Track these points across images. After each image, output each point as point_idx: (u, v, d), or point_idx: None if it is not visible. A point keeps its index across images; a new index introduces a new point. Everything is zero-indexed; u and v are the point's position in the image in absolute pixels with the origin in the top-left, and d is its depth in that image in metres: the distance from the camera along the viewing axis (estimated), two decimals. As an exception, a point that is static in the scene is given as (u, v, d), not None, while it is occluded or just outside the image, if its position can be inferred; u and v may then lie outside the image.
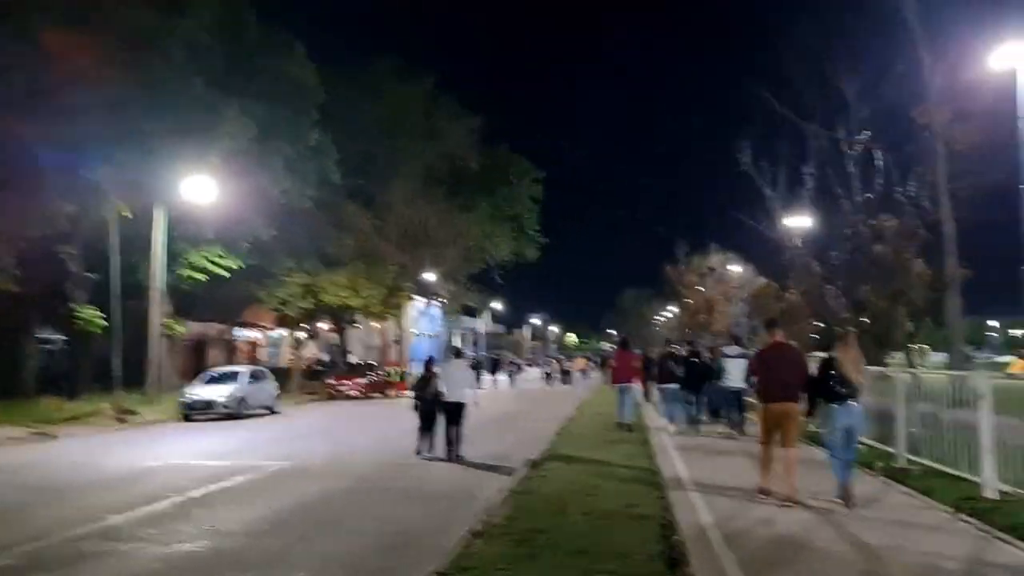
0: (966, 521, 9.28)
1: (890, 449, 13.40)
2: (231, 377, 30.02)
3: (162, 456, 17.83)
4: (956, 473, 11.10)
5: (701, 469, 13.76)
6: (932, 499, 10.46)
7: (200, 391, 28.64)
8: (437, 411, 16.09)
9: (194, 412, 27.64)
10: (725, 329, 68.34)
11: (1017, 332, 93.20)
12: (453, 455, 15.83)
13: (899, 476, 12.09)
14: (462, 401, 15.91)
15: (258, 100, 32.42)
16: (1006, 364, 55.88)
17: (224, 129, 30.18)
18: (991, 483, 10.19)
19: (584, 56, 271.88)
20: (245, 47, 33.58)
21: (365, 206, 47.39)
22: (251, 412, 29.06)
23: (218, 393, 28.26)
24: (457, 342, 79.65)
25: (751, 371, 13.67)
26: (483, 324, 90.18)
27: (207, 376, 30.74)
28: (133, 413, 26.92)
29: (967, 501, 9.93)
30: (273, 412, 30.78)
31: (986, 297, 28.71)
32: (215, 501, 11.92)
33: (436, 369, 16.96)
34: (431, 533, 9.55)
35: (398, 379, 43.95)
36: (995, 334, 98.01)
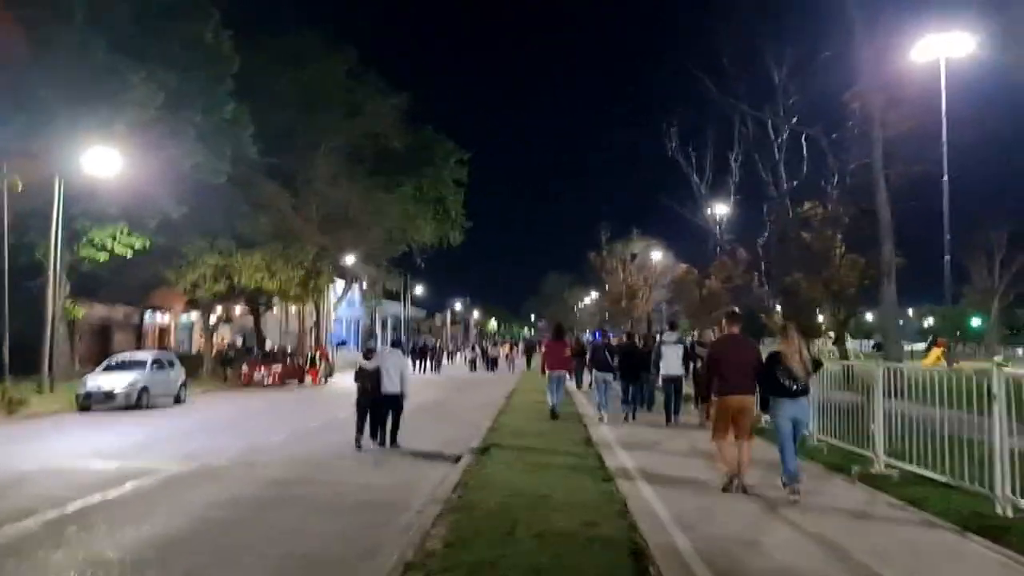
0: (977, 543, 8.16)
1: (865, 452, 12.35)
2: (134, 365, 27.79)
3: (44, 456, 15.68)
4: (946, 480, 10.14)
5: (649, 462, 13.01)
6: (930, 514, 9.32)
7: (99, 380, 26.37)
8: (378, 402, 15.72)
9: (92, 403, 25.40)
10: (646, 315, 67.86)
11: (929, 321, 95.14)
12: (389, 443, 15.69)
13: (880, 483, 11.14)
14: (401, 392, 15.56)
15: (168, 67, 30.15)
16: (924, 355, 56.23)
17: (130, 97, 27.98)
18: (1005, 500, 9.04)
19: (511, 39, 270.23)
20: (154, 8, 31.11)
21: (284, 184, 45.04)
22: (155, 403, 26.89)
23: (119, 382, 26.05)
24: (378, 327, 77.65)
25: (700, 360, 14.54)
26: (404, 308, 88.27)
27: (108, 363, 28.39)
28: (22, 404, 24.49)
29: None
30: (180, 402, 28.65)
31: (902, 286, 28.74)
32: (96, 518, 9.98)
33: (375, 358, 16.17)
34: (352, 560, 8.01)
35: (308, 365, 41.91)
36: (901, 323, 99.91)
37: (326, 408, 25.35)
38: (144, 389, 26.50)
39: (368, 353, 16.61)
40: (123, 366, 27.77)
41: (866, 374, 12.99)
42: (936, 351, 45.97)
